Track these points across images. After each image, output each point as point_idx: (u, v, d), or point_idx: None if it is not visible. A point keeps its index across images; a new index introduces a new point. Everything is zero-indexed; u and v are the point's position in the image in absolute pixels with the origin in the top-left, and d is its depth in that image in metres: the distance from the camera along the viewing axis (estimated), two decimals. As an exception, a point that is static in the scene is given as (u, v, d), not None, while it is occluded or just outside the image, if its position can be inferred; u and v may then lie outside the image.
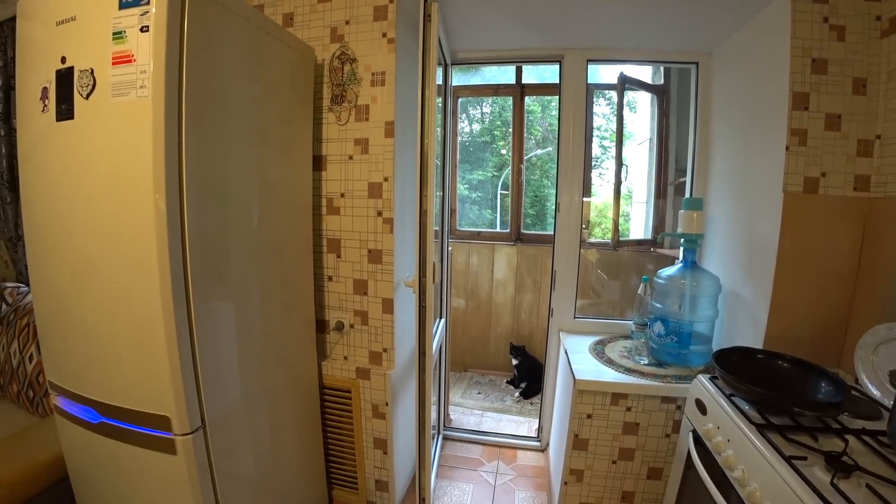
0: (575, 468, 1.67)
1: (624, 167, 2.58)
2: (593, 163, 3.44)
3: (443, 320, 2.13)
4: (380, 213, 1.63)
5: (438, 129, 1.98)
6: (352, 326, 1.72)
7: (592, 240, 2.74)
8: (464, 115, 3.82)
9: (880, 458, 0.96)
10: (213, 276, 1.14)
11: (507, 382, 2.96)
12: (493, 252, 3.00)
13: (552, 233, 2.08)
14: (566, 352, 1.80)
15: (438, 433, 2.32)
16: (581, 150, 1.97)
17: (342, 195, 1.66)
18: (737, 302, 1.66)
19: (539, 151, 3.54)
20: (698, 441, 1.25)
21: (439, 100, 1.99)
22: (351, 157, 1.64)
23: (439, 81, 1.86)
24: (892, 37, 1.37)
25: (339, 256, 1.70)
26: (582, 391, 1.57)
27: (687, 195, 2.02)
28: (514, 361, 2.85)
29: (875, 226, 1.39)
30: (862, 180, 1.42)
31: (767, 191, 1.50)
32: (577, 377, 1.57)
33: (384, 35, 1.57)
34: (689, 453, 1.26)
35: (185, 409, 1.05)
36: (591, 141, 2.80)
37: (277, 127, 1.41)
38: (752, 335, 1.53)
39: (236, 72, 1.20)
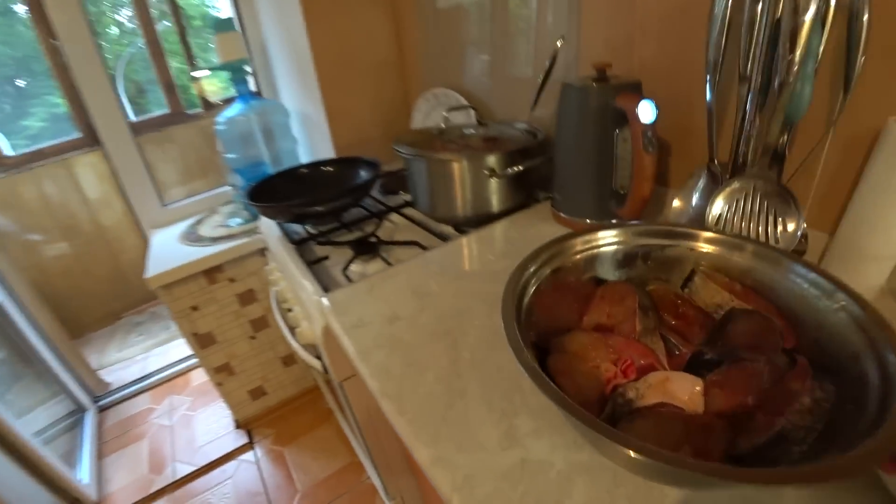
0: (217, 365, 1.45)
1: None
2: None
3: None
4: None
5: None
6: None
7: (192, 111, 2.23)
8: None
9: (414, 223, 0.94)
10: None
11: (174, 306, 2.51)
12: (72, 169, 2.24)
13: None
14: (149, 250, 1.44)
15: (83, 413, 1.81)
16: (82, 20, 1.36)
17: None
18: (308, 122, 1.51)
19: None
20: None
21: None
22: None
23: None
24: None
25: None
26: (166, 286, 1.27)
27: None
28: (167, 281, 2.38)
29: (399, 7, 1.31)
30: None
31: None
32: (146, 275, 1.25)
33: None
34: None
35: None
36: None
37: None
38: (328, 152, 1.42)
39: None
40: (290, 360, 1.58)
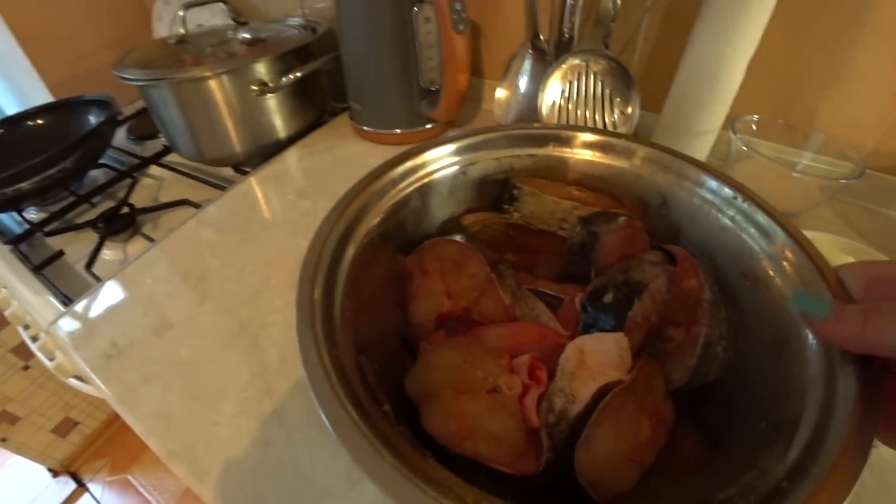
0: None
1: None
2: None
3: None
4: None
5: None
6: None
7: None
8: None
9: (183, 174, 0.69)
10: None
11: None
12: None
13: None
14: None
15: None
16: None
17: None
18: (-3, 58, 1.05)
19: None
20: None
21: None
22: None
23: None
24: None
25: None
26: None
27: None
28: None
29: None
30: None
31: None
32: None
33: None
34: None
35: None
36: None
37: None
38: (42, 96, 1.01)
39: None
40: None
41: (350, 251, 0.26)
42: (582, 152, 0.36)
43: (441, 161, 0.32)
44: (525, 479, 0.24)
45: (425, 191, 0.33)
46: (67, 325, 0.44)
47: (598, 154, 0.36)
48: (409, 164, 0.31)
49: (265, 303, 0.41)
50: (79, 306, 0.46)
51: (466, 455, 0.23)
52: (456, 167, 0.33)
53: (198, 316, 0.41)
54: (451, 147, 0.32)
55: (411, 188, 0.31)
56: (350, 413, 0.17)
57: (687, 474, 0.26)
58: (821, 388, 0.22)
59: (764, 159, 0.41)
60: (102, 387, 0.38)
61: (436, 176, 0.33)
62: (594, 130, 0.35)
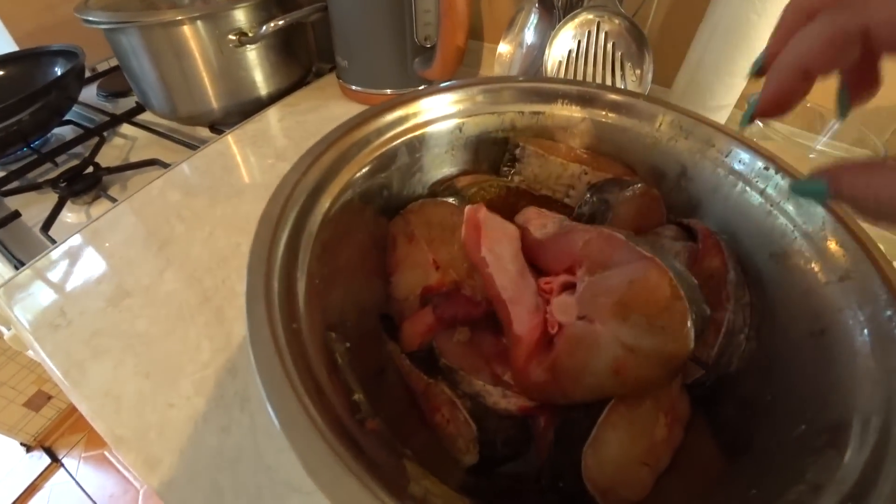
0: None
1: None
2: None
3: None
4: None
5: None
6: None
7: None
8: None
9: (157, 134, 0.64)
10: None
11: None
12: None
13: None
14: None
15: None
16: None
17: None
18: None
19: None
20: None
21: None
22: None
23: None
24: None
25: None
26: None
27: None
28: None
29: None
30: None
31: None
32: None
33: None
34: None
35: None
36: None
37: None
38: (6, 46, 0.94)
39: None
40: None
41: (322, 207, 0.21)
42: (595, 112, 0.32)
43: (435, 111, 0.28)
44: (526, 489, 0.20)
45: (415, 145, 0.28)
46: (15, 291, 0.40)
47: (612, 115, 0.31)
48: (399, 112, 0.26)
49: (233, 271, 0.36)
50: (28, 270, 0.41)
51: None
52: (453, 120, 0.28)
53: (158, 284, 0.36)
54: (449, 96, 0.28)
55: (399, 140, 0.27)
56: (305, 404, 0.13)
57: (706, 481, 0.23)
58: (875, 385, 0.19)
59: (780, 139, 0.38)
60: (47, 360, 0.34)
61: (429, 129, 0.28)
62: (612, 89, 0.31)
